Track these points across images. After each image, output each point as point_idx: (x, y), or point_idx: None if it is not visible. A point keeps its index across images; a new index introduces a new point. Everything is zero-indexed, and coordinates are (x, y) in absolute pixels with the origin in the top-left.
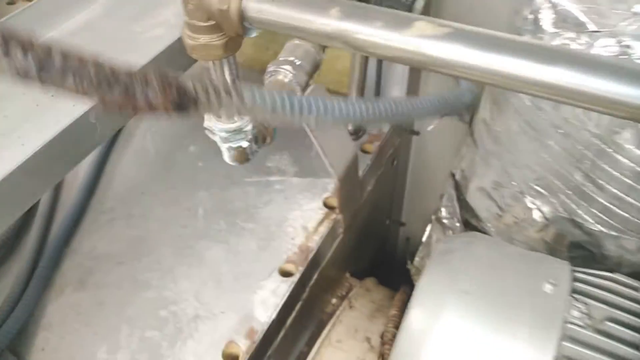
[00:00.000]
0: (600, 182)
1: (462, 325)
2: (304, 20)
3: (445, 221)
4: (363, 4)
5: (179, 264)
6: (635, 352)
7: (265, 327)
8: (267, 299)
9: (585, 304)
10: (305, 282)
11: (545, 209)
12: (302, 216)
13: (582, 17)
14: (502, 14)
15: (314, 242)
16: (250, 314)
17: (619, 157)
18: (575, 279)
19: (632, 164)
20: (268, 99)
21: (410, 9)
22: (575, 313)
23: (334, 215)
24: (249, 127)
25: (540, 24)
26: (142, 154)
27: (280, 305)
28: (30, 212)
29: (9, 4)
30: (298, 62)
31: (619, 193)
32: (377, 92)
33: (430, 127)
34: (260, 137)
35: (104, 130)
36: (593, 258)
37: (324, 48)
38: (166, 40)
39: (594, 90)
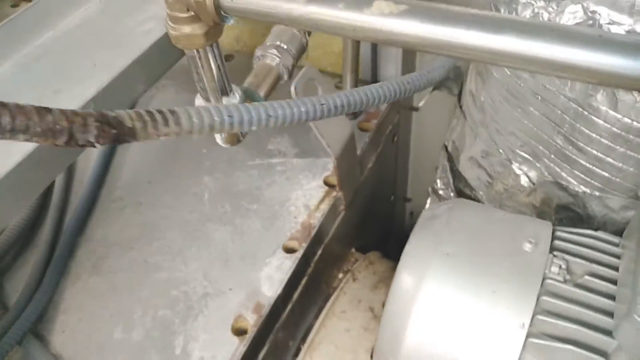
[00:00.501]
0: (580, 144)
1: (445, 285)
2: (274, 7)
3: (440, 192)
4: None
5: (188, 247)
6: (613, 303)
7: (272, 302)
8: (273, 275)
9: (565, 260)
10: (309, 257)
11: (532, 174)
12: (304, 195)
13: None
14: None
15: (316, 219)
16: (257, 289)
17: (595, 119)
18: (556, 238)
19: (607, 125)
20: (205, 117)
21: None
22: (555, 269)
23: (334, 193)
24: None
25: None
26: (147, 145)
27: (285, 281)
28: (44, 205)
29: (12, 6)
30: (285, 46)
31: (598, 154)
32: (374, 71)
33: (421, 103)
34: None
35: None
36: (580, 219)
37: (307, 32)
38: (157, 33)
39: (538, 54)
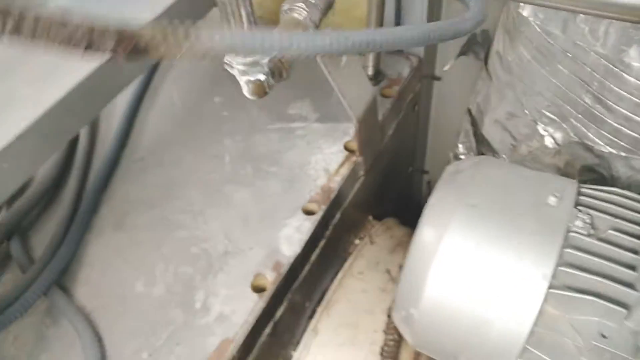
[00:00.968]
0: (609, 102)
1: (469, 236)
2: None
3: (462, 157)
4: None
5: (209, 206)
6: (636, 257)
7: (291, 261)
8: (292, 236)
9: (589, 214)
10: (328, 220)
11: (557, 135)
12: (324, 159)
13: None
14: None
15: (336, 182)
16: (276, 249)
17: (626, 76)
18: (581, 193)
19: (639, 82)
20: (227, 36)
21: None
22: (579, 223)
23: (354, 158)
24: (265, 60)
25: None
26: (169, 106)
27: (304, 241)
28: (68, 165)
29: None
30: (312, 0)
31: (627, 113)
32: None
33: (446, 67)
34: (277, 71)
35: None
36: (604, 181)
37: None
38: None
39: None
